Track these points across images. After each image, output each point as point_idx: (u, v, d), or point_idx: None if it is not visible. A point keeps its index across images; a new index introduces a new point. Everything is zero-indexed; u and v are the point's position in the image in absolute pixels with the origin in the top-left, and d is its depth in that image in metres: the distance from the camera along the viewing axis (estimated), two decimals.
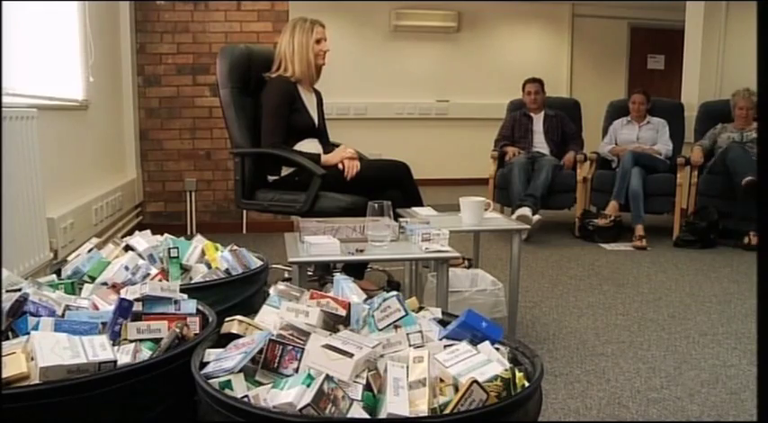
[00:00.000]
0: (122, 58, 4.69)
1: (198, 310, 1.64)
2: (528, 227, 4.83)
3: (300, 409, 1.13)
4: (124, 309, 1.53)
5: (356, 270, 3.14)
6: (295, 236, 2.41)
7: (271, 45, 3.96)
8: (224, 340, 1.46)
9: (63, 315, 1.55)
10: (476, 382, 1.18)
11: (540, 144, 5.41)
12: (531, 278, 3.78)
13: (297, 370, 1.28)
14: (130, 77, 4.73)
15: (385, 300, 1.44)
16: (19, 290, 1.61)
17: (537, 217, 4.89)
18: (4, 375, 1.24)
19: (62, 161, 3.35)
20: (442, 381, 1.26)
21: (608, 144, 5.40)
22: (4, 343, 1.38)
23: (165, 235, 2.29)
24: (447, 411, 1.17)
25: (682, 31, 5.89)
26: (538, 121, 5.45)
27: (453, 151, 8.01)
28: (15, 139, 2.54)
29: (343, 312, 1.45)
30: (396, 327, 1.41)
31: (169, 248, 2.10)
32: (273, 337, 1.32)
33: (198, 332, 1.58)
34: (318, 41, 3.28)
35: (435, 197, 4.02)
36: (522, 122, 5.52)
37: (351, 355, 1.23)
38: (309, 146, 3.24)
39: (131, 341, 1.48)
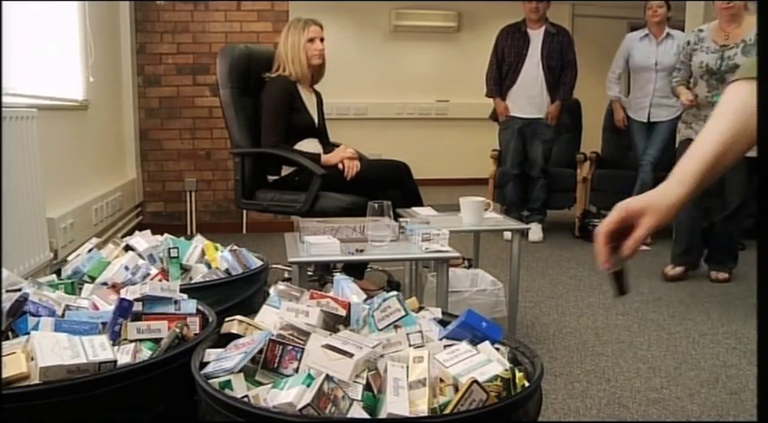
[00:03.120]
0: (122, 58, 4.69)
1: (198, 310, 1.64)
2: (539, 240, 4.84)
3: (300, 409, 1.13)
4: (124, 309, 1.52)
5: (356, 270, 3.14)
6: (295, 236, 2.41)
7: (271, 45, 3.96)
8: (224, 340, 1.46)
9: (63, 315, 1.55)
10: (476, 382, 1.18)
11: (532, 79, 4.73)
12: (531, 278, 3.78)
13: (297, 370, 1.28)
14: (130, 77, 4.73)
15: (385, 300, 1.44)
16: (19, 290, 1.61)
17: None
18: (4, 375, 1.24)
19: (62, 161, 3.35)
20: (442, 381, 1.26)
21: (617, 70, 4.91)
22: (4, 343, 1.38)
23: (165, 235, 2.29)
24: (447, 411, 1.17)
25: (682, 31, 5.89)
26: (536, 39, 4.79)
27: (453, 151, 8.01)
28: (15, 139, 2.54)
29: (343, 312, 1.45)
30: (396, 327, 1.41)
31: (169, 248, 2.10)
32: (273, 337, 1.31)
33: (198, 332, 1.58)
34: (312, 41, 3.26)
35: (435, 197, 4.03)
36: (514, 45, 4.80)
37: (351, 355, 1.23)
38: (309, 146, 3.24)
39: (131, 341, 1.48)
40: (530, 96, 4.79)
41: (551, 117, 4.80)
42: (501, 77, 4.88)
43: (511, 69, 4.81)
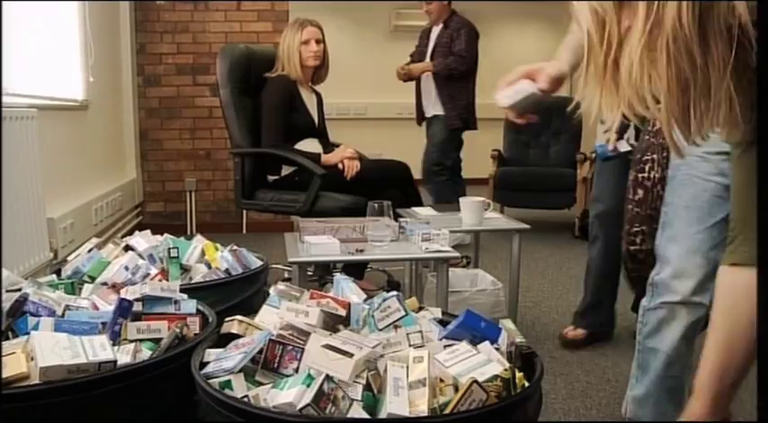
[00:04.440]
0: (122, 58, 4.69)
1: (198, 310, 1.64)
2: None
3: (300, 409, 1.13)
4: (124, 309, 1.53)
5: (356, 270, 3.13)
6: (295, 236, 2.41)
7: (271, 45, 3.96)
8: (224, 340, 1.46)
9: (63, 315, 1.55)
10: (476, 382, 1.18)
11: (426, 77, 4.59)
12: (531, 278, 3.78)
13: (297, 370, 1.28)
14: (130, 77, 4.73)
15: (385, 300, 1.44)
16: (19, 290, 1.61)
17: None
18: (4, 375, 1.24)
19: (62, 161, 3.35)
20: (441, 381, 1.26)
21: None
22: (4, 343, 1.38)
23: (165, 235, 2.29)
24: (447, 411, 1.17)
25: None
26: (433, 37, 4.64)
27: None
28: (15, 139, 2.54)
29: (343, 312, 1.45)
30: (396, 327, 1.41)
31: (169, 248, 2.10)
32: (273, 337, 1.32)
33: (198, 332, 1.58)
34: (306, 42, 3.25)
35: None
36: (421, 44, 4.73)
37: (351, 355, 1.23)
38: (309, 146, 3.25)
39: (131, 341, 1.48)
40: (426, 95, 4.68)
41: (404, 70, 4.62)
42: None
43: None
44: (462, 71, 4.47)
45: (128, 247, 2.18)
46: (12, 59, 2.73)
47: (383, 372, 1.28)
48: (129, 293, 1.60)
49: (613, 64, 0.91)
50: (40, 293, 1.60)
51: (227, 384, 1.26)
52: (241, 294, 2.06)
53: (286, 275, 3.31)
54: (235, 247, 2.23)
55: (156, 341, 1.50)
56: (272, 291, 1.61)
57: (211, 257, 2.18)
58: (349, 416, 1.17)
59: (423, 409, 1.18)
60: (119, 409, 1.31)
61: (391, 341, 1.37)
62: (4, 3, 2.49)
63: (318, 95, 3.46)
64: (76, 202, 3.42)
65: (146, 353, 1.46)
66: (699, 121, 0.91)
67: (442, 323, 1.56)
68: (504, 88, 1.59)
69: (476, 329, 1.44)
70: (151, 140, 4.89)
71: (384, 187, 3.11)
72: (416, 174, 3.33)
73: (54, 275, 1.97)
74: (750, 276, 1.06)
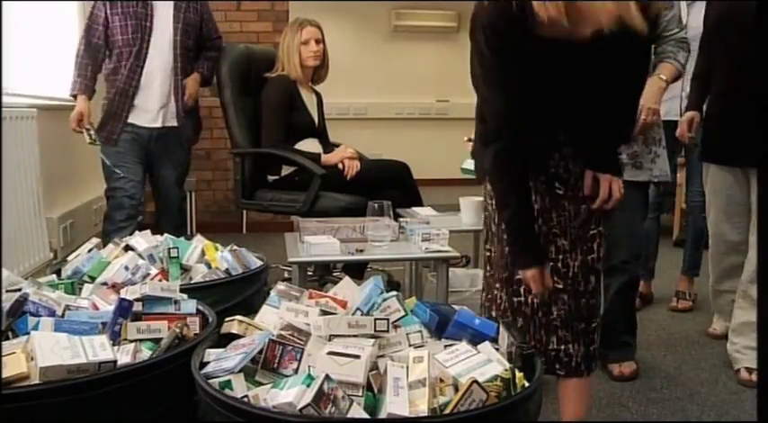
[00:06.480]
0: None
1: (198, 310, 1.64)
2: None
3: (300, 409, 1.13)
4: (124, 309, 1.53)
5: (356, 270, 3.14)
6: (295, 236, 2.41)
7: (271, 45, 3.96)
8: (224, 340, 1.46)
9: (63, 315, 1.55)
10: (476, 382, 1.18)
11: (161, 70, 3.12)
12: None
13: (297, 370, 1.28)
14: None
15: (385, 300, 1.44)
16: (19, 290, 1.61)
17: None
18: (4, 375, 1.24)
19: (62, 161, 3.35)
20: (441, 381, 1.26)
21: None
22: (4, 343, 1.38)
23: (165, 235, 2.29)
24: (447, 411, 1.17)
25: None
26: (164, 11, 3.11)
27: (453, 151, 7.96)
28: (15, 139, 2.54)
29: (342, 312, 1.45)
30: (396, 327, 1.41)
31: (169, 248, 2.10)
32: (273, 338, 1.32)
33: (198, 332, 1.58)
34: (306, 42, 3.25)
35: (435, 197, 4.02)
36: (129, 17, 3.04)
37: (358, 357, 1.23)
38: (310, 146, 3.25)
39: (131, 341, 1.48)
40: (158, 95, 3.17)
41: (189, 96, 3.23)
42: (95, 65, 3.17)
43: (125, 56, 3.09)
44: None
45: (128, 247, 2.17)
46: (12, 59, 2.73)
47: (383, 372, 1.28)
48: (129, 293, 1.60)
49: None
50: (40, 293, 1.60)
51: (227, 384, 1.26)
52: (241, 294, 2.06)
53: (286, 275, 3.31)
54: (235, 247, 2.23)
55: (156, 341, 1.50)
56: (272, 291, 1.61)
57: (211, 257, 2.18)
58: (349, 416, 1.17)
59: (423, 409, 1.18)
60: (119, 410, 1.31)
61: (391, 341, 1.37)
62: (4, 3, 2.49)
63: (318, 95, 3.46)
64: (76, 202, 3.42)
65: (146, 353, 1.46)
66: None
67: None
68: None
69: (470, 327, 1.44)
70: None
71: (384, 187, 3.11)
72: (416, 174, 3.33)
73: (54, 275, 1.97)
74: None
